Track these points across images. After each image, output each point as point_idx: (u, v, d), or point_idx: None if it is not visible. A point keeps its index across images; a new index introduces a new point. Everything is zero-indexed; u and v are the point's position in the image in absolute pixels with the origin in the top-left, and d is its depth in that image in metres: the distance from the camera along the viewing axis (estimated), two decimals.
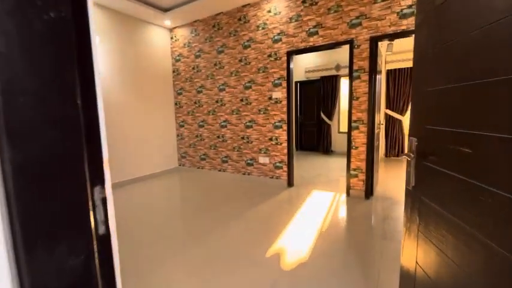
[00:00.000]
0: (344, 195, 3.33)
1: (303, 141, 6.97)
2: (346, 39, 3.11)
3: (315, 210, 2.88)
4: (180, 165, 5.07)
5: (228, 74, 4.16)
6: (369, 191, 3.18)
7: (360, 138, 3.16)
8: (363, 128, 3.12)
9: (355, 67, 3.10)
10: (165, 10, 4.10)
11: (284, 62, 3.61)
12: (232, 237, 2.31)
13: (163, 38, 4.66)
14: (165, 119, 4.79)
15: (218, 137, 4.43)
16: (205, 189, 3.78)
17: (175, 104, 4.94)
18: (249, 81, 3.95)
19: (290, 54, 3.56)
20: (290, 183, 3.77)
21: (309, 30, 3.35)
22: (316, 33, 3.30)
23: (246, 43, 3.92)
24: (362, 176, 3.19)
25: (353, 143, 3.22)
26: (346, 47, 3.22)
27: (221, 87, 4.27)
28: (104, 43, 3.68)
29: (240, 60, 4.01)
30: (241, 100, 4.07)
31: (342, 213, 2.80)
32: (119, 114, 3.96)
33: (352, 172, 3.27)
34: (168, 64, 4.80)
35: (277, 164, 3.84)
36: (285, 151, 3.75)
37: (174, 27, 4.71)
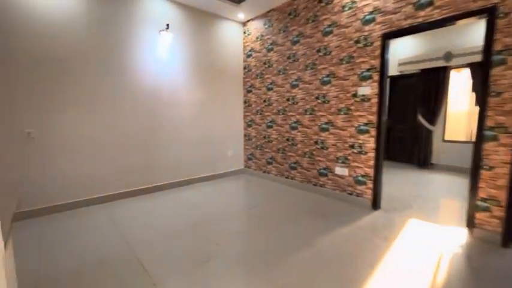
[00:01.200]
0: (464, 235, 2.31)
1: (389, 150, 5.73)
2: (484, 6, 2.10)
3: (417, 254, 2.02)
4: (246, 167, 4.79)
5: (302, 67, 3.59)
6: (511, 235, 2.08)
7: (498, 154, 2.10)
8: (506, 140, 2.05)
9: (496, 47, 2.07)
10: (239, 1, 3.82)
11: (377, 49, 2.80)
12: (299, 271, 1.76)
13: (235, 33, 4.43)
14: (233, 118, 4.57)
15: (287, 139, 3.92)
16: (269, 198, 3.32)
17: (244, 102, 4.67)
18: (328, 75, 3.28)
19: (387, 38, 2.72)
20: (376, 204, 2.92)
21: (418, 1, 2.45)
22: (431, 3, 2.37)
23: (326, 29, 3.26)
24: (498, 212, 2.12)
25: (485, 161, 2.17)
26: (469, 26, 2.19)
27: (294, 83, 3.73)
28: (177, 41, 3.66)
29: (318, 51, 3.37)
30: (317, 98, 3.44)
31: (464, 270, 1.86)
32: (190, 113, 3.91)
33: (480, 203, 2.22)
34: (240, 60, 4.55)
35: (359, 178, 3.05)
36: (371, 163, 2.93)
37: (247, 21, 4.42)
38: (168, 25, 3.45)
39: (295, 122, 3.77)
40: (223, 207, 3.05)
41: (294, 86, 3.74)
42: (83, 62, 2.90)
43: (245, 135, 4.74)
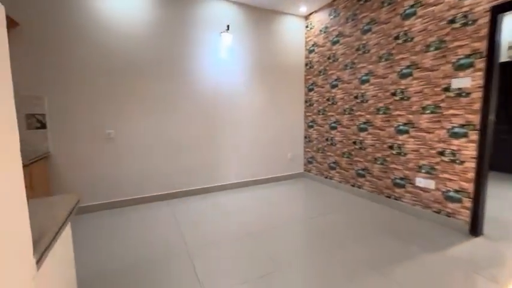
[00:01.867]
0: None
1: (493, 157, 4.53)
2: None
3: None
4: (305, 170, 4.49)
5: (375, 59, 3.09)
6: None
7: None
8: None
9: None
10: None
11: (482, 28, 2.15)
12: None
13: (297, 28, 4.17)
14: (293, 119, 4.33)
15: (354, 142, 3.46)
16: (331, 207, 2.97)
17: (305, 101, 4.37)
18: (409, 66, 2.72)
19: (499, 11, 2.05)
20: (476, 228, 2.26)
21: None
22: None
23: (407, 11, 2.70)
24: None
25: None
26: None
27: (364, 77, 3.25)
28: (237, 42, 3.63)
29: (396, 38, 2.83)
30: (393, 94, 2.90)
31: None
32: (249, 114, 3.85)
33: None
34: (301, 57, 4.27)
35: (451, 194, 2.42)
36: (470, 175, 2.28)
37: (310, 14, 4.10)
38: (228, 26, 3.45)
39: (364, 123, 3.29)
40: (281, 214, 2.85)
41: (363, 82, 3.27)
42: (152, 68, 3.12)
43: (305, 137, 4.43)
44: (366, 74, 3.22)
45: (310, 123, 4.28)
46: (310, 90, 4.23)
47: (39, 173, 2.53)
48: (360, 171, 3.40)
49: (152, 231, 2.46)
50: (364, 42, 3.22)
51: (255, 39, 3.79)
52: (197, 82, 3.41)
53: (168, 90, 3.24)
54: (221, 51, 3.53)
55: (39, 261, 0.69)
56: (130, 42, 2.98)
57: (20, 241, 0.62)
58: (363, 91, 3.28)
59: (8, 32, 2.46)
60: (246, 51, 3.74)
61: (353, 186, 3.52)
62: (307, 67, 4.26)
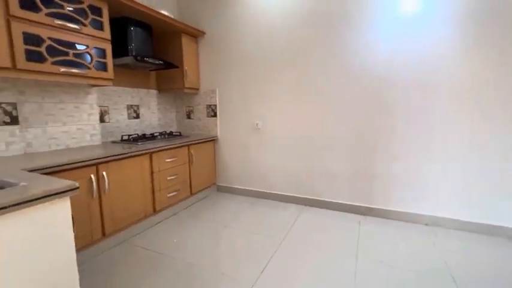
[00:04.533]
0: None
1: None
2: None
3: None
4: None
5: None
6: None
7: None
8: None
9: None
10: None
11: None
12: None
13: None
14: None
15: None
16: None
17: None
18: None
19: None
20: None
21: None
22: None
23: None
24: None
25: None
26: None
27: None
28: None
29: None
30: None
31: None
32: (463, 100, 2.16)
33: None
34: None
35: None
36: None
37: None
38: None
39: None
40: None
41: None
42: (299, 51, 2.65)
43: None
44: None
45: None
46: None
47: (208, 152, 3.14)
48: None
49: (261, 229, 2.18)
50: None
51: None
52: (358, 56, 2.43)
53: (316, 74, 2.61)
54: (404, 5, 2.20)
55: None
56: (280, 32, 2.71)
57: None
58: None
59: (198, 40, 3.17)
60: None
61: None
62: None
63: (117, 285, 1.59)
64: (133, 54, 2.44)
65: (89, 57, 1.96)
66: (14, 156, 1.77)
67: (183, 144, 2.65)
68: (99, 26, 2.03)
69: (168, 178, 2.50)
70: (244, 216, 2.58)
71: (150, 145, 2.28)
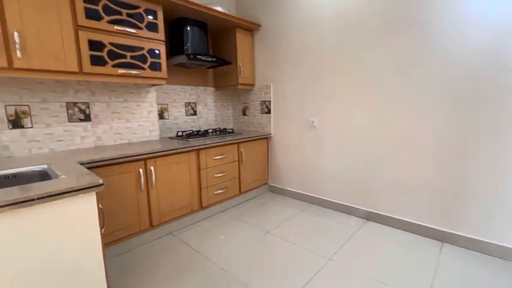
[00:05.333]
0: None
1: None
2: None
3: None
4: None
5: None
6: None
7: None
8: None
9: None
10: None
11: None
12: None
13: None
14: None
15: None
16: None
17: None
18: None
19: None
20: None
21: None
22: None
23: None
24: None
25: None
26: None
27: None
28: None
29: None
30: None
31: None
32: None
33: None
34: None
35: None
36: None
37: None
38: None
39: None
40: None
41: None
42: (369, 32, 2.18)
43: None
44: None
45: None
46: None
47: (260, 150, 3.02)
48: None
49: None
50: None
51: None
52: (445, 43, 1.82)
53: (388, 65, 2.11)
54: None
55: None
56: (347, 22, 2.30)
57: None
58: None
59: (254, 34, 3.05)
60: None
61: None
62: None
63: (152, 276, 1.65)
64: (188, 53, 2.51)
65: (144, 59, 2.09)
66: (86, 148, 2.06)
67: (232, 141, 2.60)
68: (155, 28, 2.13)
69: (216, 175, 2.50)
70: (292, 223, 2.35)
71: (197, 142, 2.31)
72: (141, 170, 1.92)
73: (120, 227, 1.85)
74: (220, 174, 2.53)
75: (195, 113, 3.03)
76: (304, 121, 2.75)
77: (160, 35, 2.18)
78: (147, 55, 2.10)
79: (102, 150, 1.93)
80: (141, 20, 2.05)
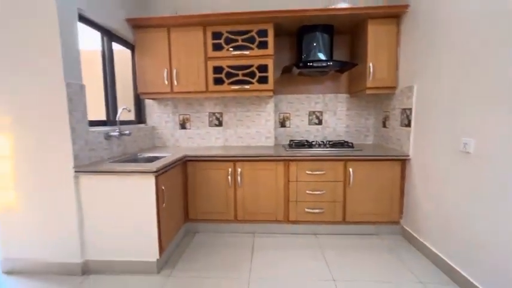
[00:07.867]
0: None
1: None
2: None
3: None
4: None
5: None
6: None
7: None
8: None
9: None
10: None
11: None
12: None
13: None
14: None
15: None
16: None
17: None
18: None
19: None
20: None
21: None
22: None
23: None
24: None
25: None
26: None
27: None
28: None
29: None
30: None
31: None
32: None
33: None
34: None
35: None
36: None
37: None
38: None
39: None
40: None
41: None
42: None
43: None
44: None
45: None
46: None
47: (388, 175, 2.25)
48: None
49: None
50: None
51: None
52: None
53: None
54: None
55: None
56: None
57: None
58: None
59: (400, 20, 2.27)
60: None
61: None
62: None
63: (207, 259, 1.96)
64: (298, 62, 2.42)
65: (253, 74, 2.40)
66: (215, 146, 2.77)
67: (333, 157, 2.20)
68: (265, 46, 2.37)
69: (308, 191, 2.26)
70: None
71: (288, 153, 2.25)
72: (230, 169, 2.27)
73: (211, 210, 2.34)
74: (314, 192, 2.26)
75: (319, 123, 2.86)
76: (451, 141, 1.67)
77: (270, 50, 2.37)
78: (256, 71, 2.39)
79: (221, 149, 2.52)
80: (253, 41, 2.37)
